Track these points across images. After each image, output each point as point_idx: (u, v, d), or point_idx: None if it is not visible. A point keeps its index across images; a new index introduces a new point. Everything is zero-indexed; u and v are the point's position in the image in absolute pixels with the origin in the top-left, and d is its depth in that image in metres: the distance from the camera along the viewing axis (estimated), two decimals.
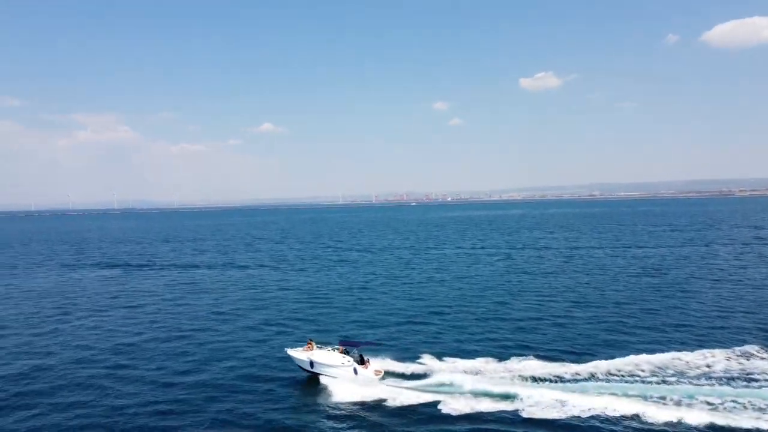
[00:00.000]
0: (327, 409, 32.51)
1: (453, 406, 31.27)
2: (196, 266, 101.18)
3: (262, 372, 38.77)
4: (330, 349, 37.17)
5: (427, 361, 38.66)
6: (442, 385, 33.98)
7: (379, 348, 40.27)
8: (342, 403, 32.99)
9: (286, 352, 38.59)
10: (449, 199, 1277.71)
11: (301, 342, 40.29)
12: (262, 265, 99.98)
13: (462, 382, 33.75)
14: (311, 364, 36.34)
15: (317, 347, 37.38)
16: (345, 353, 36.31)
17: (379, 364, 36.89)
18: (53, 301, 68.38)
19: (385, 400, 32.74)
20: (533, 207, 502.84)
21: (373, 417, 31.09)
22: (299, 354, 37.22)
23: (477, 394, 32.30)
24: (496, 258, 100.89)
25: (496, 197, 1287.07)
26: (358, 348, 36.98)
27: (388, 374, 36.30)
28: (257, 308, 60.90)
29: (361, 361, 35.88)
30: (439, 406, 31.48)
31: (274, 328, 51.22)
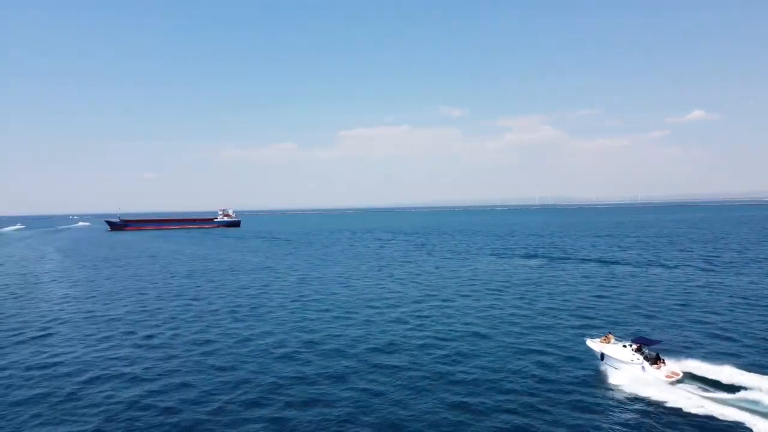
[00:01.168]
0: (602, 400, 32.19)
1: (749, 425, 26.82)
2: (616, 262, 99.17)
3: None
4: (625, 344, 36.62)
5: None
6: (751, 402, 29.23)
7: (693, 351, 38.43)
8: (619, 398, 32.31)
9: (585, 341, 39.73)
10: None
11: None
12: (689, 265, 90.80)
13: None
14: (602, 356, 36.85)
15: (615, 341, 37.53)
16: (639, 351, 35.60)
17: (680, 366, 34.99)
18: (490, 281, 78.38)
19: (667, 403, 30.60)
20: None
21: (642, 417, 29.54)
22: (594, 345, 38.11)
23: None
24: None
25: None
26: (649, 347, 35.99)
27: (694, 378, 33.83)
28: (681, 308, 55.83)
29: (656, 361, 34.77)
30: (724, 420, 27.84)
31: (699, 327, 46.15)
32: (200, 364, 41.67)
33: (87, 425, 30.67)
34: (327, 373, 38.66)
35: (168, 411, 32.34)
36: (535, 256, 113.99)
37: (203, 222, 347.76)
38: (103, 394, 35.38)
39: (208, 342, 48.15)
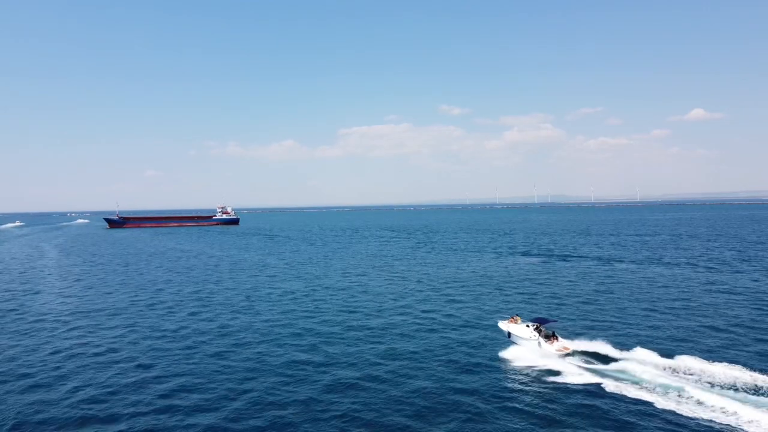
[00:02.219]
0: (503, 370, 37.92)
1: (615, 391, 32.57)
2: (617, 260, 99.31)
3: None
4: (528, 324, 41.91)
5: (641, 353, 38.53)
6: (624, 372, 35.21)
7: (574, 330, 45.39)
8: (517, 369, 37.83)
9: (497, 322, 45.96)
10: None
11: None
12: (691, 264, 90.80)
13: (642, 373, 34.49)
14: (508, 334, 42.89)
15: (521, 321, 43.03)
16: (538, 330, 40.85)
17: (571, 343, 40.23)
18: (490, 280, 78.60)
19: (554, 372, 36.17)
20: None
21: (532, 382, 35.17)
22: (503, 325, 44.05)
23: (647, 386, 32.83)
24: None
25: None
26: (546, 326, 41.39)
27: (582, 353, 39.18)
28: (687, 310, 55.85)
29: (550, 338, 40.11)
30: (597, 386, 33.45)
31: (715, 332, 46.19)
32: (204, 358, 41.80)
33: (112, 419, 30.82)
34: (330, 364, 38.91)
35: (175, 405, 32.50)
36: (538, 254, 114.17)
37: (202, 219, 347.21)
38: (114, 389, 35.49)
39: (210, 337, 48.31)
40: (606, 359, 38.05)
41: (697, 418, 28.74)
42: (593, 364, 37.52)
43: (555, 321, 43.35)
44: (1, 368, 40.56)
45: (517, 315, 45.54)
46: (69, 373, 39.04)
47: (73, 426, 30.07)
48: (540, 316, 49.38)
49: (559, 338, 40.59)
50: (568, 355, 38.80)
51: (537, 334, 40.52)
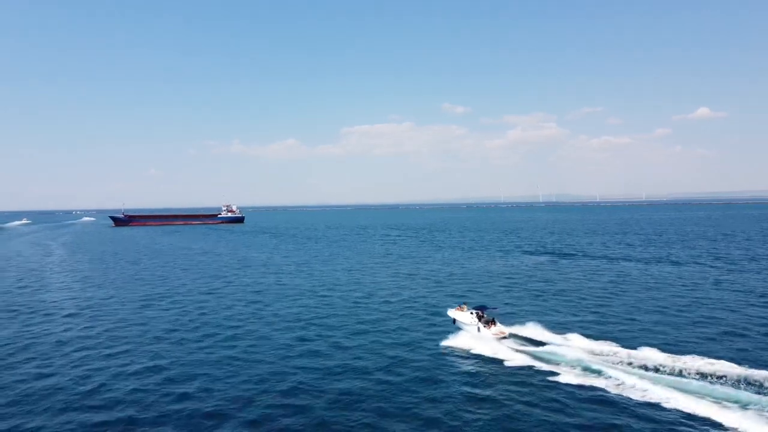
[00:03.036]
0: (445, 351, 42.24)
1: (547, 370, 36.00)
2: (623, 259, 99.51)
3: None
4: (472, 311, 45.60)
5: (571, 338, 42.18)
6: (553, 354, 38.71)
7: (506, 315, 49.98)
8: (457, 349, 42.29)
9: (447, 310, 50.18)
10: None
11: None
12: (698, 263, 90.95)
13: (570, 355, 37.92)
14: (454, 320, 47.06)
15: (467, 309, 46.58)
16: (479, 316, 44.57)
17: (509, 328, 44.31)
18: (497, 278, 79.06)
19: (491, 353, 40.01)
20: None
21: (470, 362, 39.32)
22: (451, 313, 48.11)
23: (575, 367, 36.06)
24: None
25: None
26: (486, 312, 45.42)
27: (517, 337, 43.18)
28: (690, 305, 56.15)
29: (489, 323, 43.82)
30: (529, 368, 36.83)
31: (720, 330, 46.46)
32: (223, 356, 42.34)
33: (119, 414, 31.33)
34: (343, 359, 39.40)
35: (189, 399, 32.96)
36: (544, 253, 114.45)
37: (207, 218, 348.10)
38: (128, 387, 35.96)
39: (227, 334, 48.84)
40: (538, 343, 41.71)
41: (695, 416, 28.58)
42: (527, 346, 41.29)
43: (493, 308, 47.68)
44: (22, 368, 41.24)
45: (464, 304, 49.27)
46: (87, 369, 39.56)
47: (92, 423, 30.58)
48: (482, 304, 53.97)
49: (498, 323, 44.45)
50: (504, 338, 42.54)
51: (477, 320, 44.34)
